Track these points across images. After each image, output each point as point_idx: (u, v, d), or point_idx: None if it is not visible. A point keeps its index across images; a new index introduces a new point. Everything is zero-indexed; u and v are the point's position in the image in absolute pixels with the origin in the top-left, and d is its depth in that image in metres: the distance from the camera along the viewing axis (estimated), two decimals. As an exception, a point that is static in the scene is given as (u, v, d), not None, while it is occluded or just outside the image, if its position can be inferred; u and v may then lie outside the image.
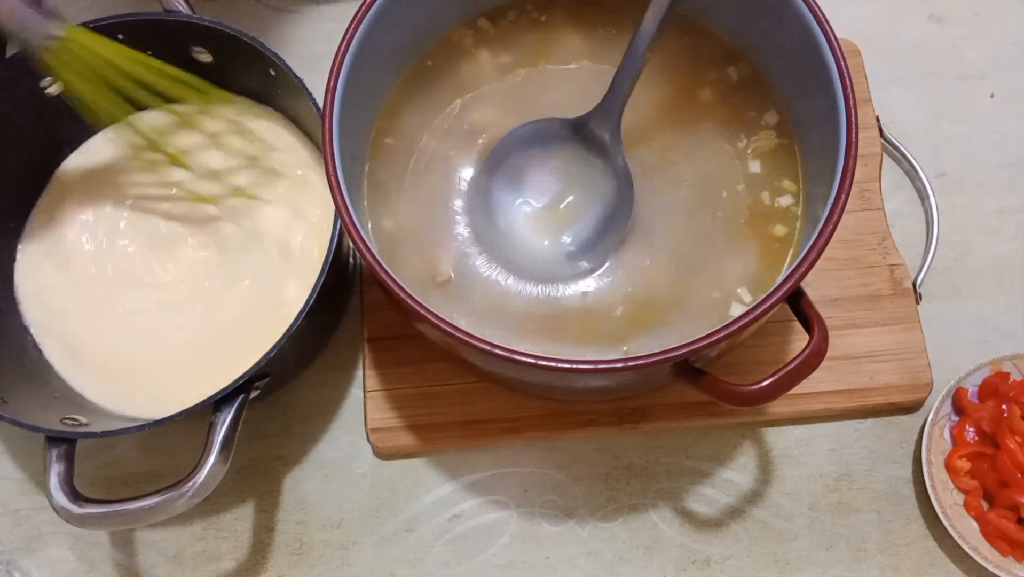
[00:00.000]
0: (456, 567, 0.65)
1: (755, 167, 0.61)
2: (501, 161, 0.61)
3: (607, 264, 0.60)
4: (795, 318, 0.51)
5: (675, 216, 0.61)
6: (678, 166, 0.62)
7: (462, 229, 0.61)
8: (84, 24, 0.64)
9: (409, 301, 0.49)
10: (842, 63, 0.53)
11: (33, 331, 0.67)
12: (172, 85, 0.62)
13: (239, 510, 0.67)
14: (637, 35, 0.57)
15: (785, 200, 0.60)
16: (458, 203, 0.61)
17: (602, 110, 0.59)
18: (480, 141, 0.62)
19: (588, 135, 0.60)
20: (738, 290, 0.58)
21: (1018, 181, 0.74)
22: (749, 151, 0.61)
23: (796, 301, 0.50)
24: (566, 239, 0.60)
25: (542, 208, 0.61)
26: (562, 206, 0.61)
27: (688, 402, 0.66)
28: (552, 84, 0.64)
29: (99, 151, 0.71)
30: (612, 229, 0.60)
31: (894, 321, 0.68)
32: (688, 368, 0.50)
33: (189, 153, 0.69)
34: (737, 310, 0.57)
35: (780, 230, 0.59)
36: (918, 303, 0.68)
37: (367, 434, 0.67)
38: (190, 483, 0.54)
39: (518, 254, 0.60)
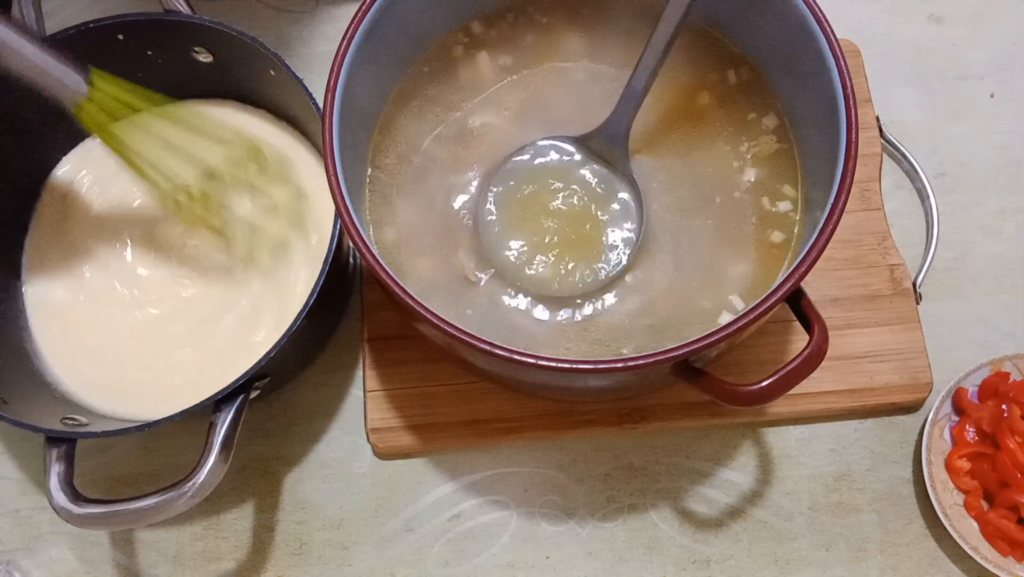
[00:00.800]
0: (456, 567, 0.65)
1: (755, 173, 0.61)
2: (508, 181, 0.61)
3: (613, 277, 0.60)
4: (795, 318, 0.51)
5: (673, 221, 0.61)
6: (677, 171, 0.62)
7: (467, 235, 0.61)
8: (84, 24, 0.64)
9: (409, 301, 0.49)
10: (842, 63, 0.53)
11: (34, 332, 0.67)
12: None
13: (239, 510, 0.67)
14: (648, 49, 0.57)
15: (784, 205, 0.60)
16: (463, 208, 0.61)
17: (610, 125, 0.60)
18: (483, 145, 0.62)
19: (596, 150, 0.61)
20: (730, 297, 0.58)
21: (1018, 181, 0.74)
22: (749, 156, 0.61)
23: (796, 301, 0.50)
24: (578, 260, 0.60)
25: (551, 228, 0.60)
26: (571, 225, 0.60)
27: (688, 402, 0.66)
28: (552, 87, 0.64)
29: (86, 160, 0.71)
30: (622, 246, 0.60)
31: (894, 321, 0.68)
32: (688, 368, 0.50)
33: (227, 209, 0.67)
34: (730, 317, 0.57)
35: (777, 236, 0.59)
36: (918, 303, 0.68)
37: (367, 434, 0.67)
38: (190, 483, 0.54)
39: (528, 273, 0.59)
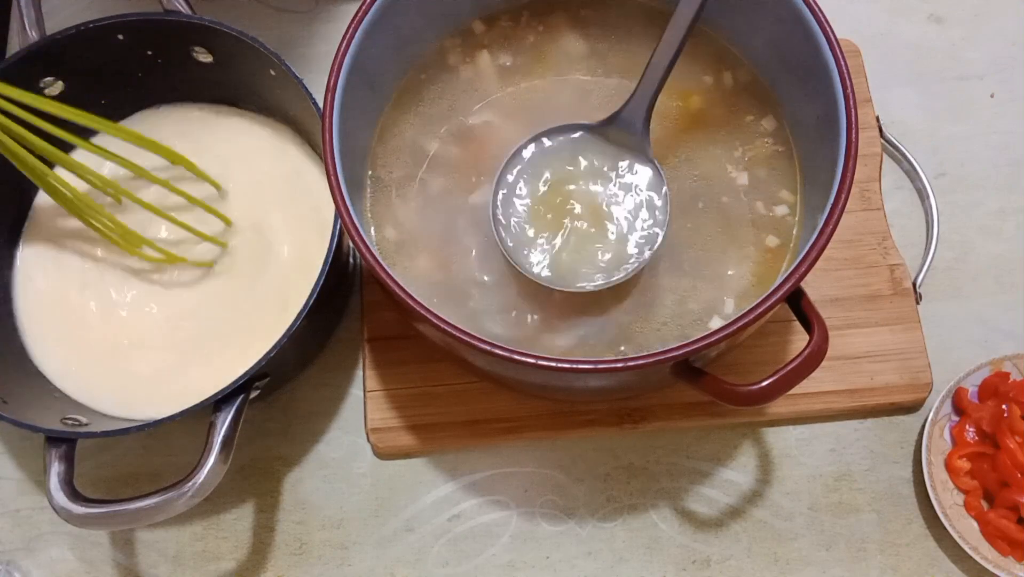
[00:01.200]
0: (456, 567, 0.65)
1: (753, 176, 0.61)
2: (521, 174, 0.59)
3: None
4: (795, 318, 0.51)
5: (670, 224, 0.60)
6: (674, 174, 0.61)
7: (468, 234, 0.60)
8: (84, 24, 0.64)
9: (409, 301, 0.49)
10: (842, 63, 0.53)
11: (34, 332, 0.67)
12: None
13: (239, 510, 0.67)
14: (673, 21, 0.54)
15: (781, 209, 0.60)
16: (464, 208, 0.61)
17: (630, 108, 0.58)
18: (483, 145, 0.62)
19: (613, 138, 0.59)
20: (725, 300, 0.58)
21: (1018, 181, 0.74)
22: (746, 159, 0.61)
23: (796, 301, 0.50)
24: (599, 253, 0.58)
25: (568, 222, 0.58)
26: (590, 218, 0.59)
27: (688, 402, 0.66)
28: (554, 85, 0.64)
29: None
30: (647, 237, 0.58)
31: (894, 321, 0.68)
32: (688, 368, 0.50)
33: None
34: (723, 320, 0.56)
35: (773, 241, 0.59)
36: (918, 303, 0.68)
37: (367, 434, 0.67)
38: (190, 483, 0.54)
39: (543, 271, 0.57)
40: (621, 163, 0.59)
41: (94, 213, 0.64)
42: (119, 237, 0.65)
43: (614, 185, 0.59)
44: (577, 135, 0.60)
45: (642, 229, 0.58)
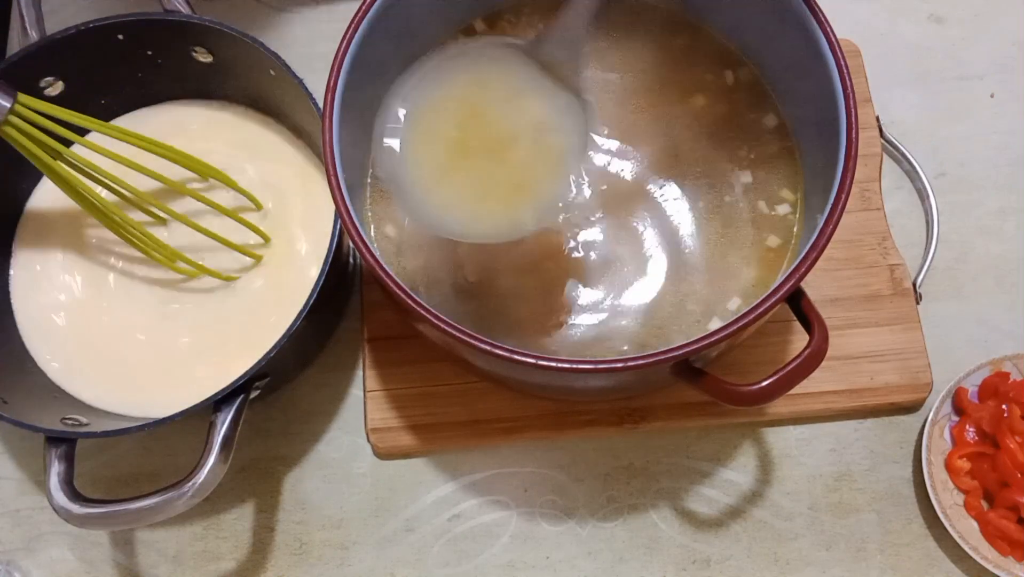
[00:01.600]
0: (456, 567, 0.65)
1: (754, 175, 0.61)
2: (425, 99, 0.52)
3: (604, 276, 0.58)
4: (795, 318, 0.51)
5: (671, 223, 0.60)
6: (674, 173, 0.61)
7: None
8: (84, 24, 0.64)
9: (409, 301, 0.49)
10: (842, 63, 0.53)
11: (33, 332, 0.67)
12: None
13: (239, 510, 0.67)
14: None
15: (783, 209, 0.60)
16: None
17: (567, 20, 0.50)
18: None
19: (545, 61, 0.52)
20: (726, 299, 0.58)
21: (1018, 181, 0.74)
22: (750, 157, 0.61)
23: (796, 301, 0.50)
24: (521, 196, 0.51)
25: (482, 160, 0.52)
26: (508, 155, 0.52)
27: (688, 402, 0.66)
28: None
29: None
30: (568, 160, 0.51)
31: (894, 321, 0.68)
32: (688, 368, 0.50)
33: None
34: (722, 321, 0.56)
35: (774, 241, 0.59)
36: (918, 303, 0.68)
37: (367, 434, 0.67)
38: (190, 483, 0.54)
39: (447, 214, 0.51)
40: (543, 90, 0.52)
41: (132, 230, 0.64)
42: (156, 252, 0.65)
43: (532, 116, 0.52)
44: (497, 50, 0.52)
45: (562, 167, 0.52)
